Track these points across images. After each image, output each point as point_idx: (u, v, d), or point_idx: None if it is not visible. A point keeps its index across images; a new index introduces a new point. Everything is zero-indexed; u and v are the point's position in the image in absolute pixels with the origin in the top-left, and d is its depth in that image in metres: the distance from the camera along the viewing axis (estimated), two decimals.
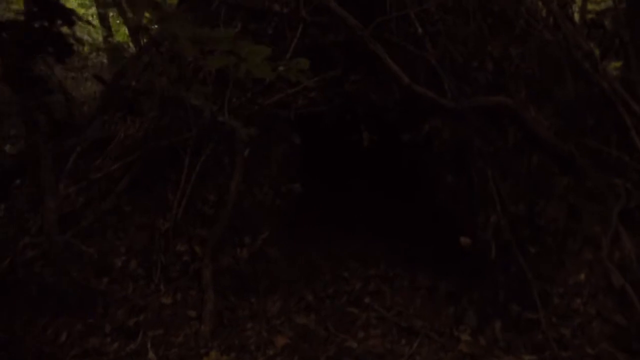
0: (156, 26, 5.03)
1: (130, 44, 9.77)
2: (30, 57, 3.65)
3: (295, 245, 4.83)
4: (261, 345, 3.83)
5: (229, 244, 4.35)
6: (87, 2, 12.36)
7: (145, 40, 5.39)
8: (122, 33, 12.19)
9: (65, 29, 3.69)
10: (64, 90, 4.85)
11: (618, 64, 4.71)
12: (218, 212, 4.39)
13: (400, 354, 3.77)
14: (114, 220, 4.53)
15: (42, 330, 3.79)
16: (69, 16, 3.49)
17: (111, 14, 12.02)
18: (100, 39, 11.06)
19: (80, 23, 4.78)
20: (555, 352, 3.61)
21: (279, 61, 3.07)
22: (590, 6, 8.67)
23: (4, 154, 5.63)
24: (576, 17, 6.34)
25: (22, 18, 3.60)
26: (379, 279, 4.84)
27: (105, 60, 10.11)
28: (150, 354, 3.66)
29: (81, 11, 11.74)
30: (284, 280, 4.47)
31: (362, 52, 4.64)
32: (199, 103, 4.00)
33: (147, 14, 2.80)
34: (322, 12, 4.77)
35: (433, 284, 4.65)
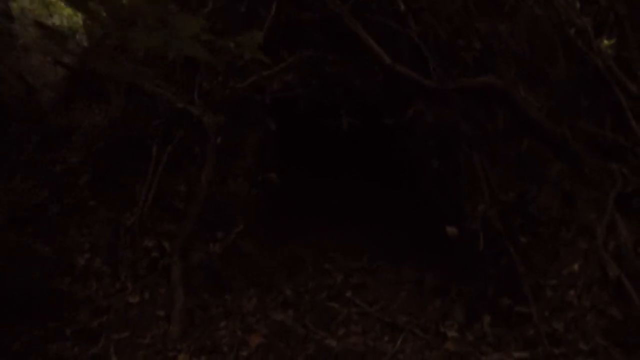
0: None
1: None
2: None
3: (273, 238, 4.56)
4: (235, 346, 3.57)
5: (201, 238, 4.08)
6: None
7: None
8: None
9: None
10: (18, 75, 4.51)
11: (613, 41, 4.43)
12: (188, 205, 4.10)
13: (383, 351, 3.53)
14: (78, 215, 4.23)
15: None
16: None
17: None
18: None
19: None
20: (547, 348, 3.37)
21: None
22: None
23: None
24: None
25: None
26: (363, 271, 4.60)
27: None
28: (114, 359, 3.39)
29: None
30: (261, 275, 4.20)
31: (341, 30, 4.35)
32: (163, 92, 3.69)
33: None
34: None
35: (419, 276, 4.41)
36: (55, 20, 6.09)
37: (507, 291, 3.65)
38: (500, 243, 3.75)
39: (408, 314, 3.94)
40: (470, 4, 4.37)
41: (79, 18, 5.81)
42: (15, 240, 3.66)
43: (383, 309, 3.99)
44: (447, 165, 4.22)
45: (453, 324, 3.73)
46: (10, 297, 3.64)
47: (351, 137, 4.47)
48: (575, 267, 3.60)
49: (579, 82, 4.28)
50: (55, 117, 4.78)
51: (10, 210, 3.77)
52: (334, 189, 5.48)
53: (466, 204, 3.97)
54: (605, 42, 4.46)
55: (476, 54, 4.23)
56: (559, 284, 3.58)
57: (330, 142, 5.07)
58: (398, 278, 4.48)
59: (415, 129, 4.29)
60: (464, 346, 3.51)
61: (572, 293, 3.52)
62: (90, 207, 4.28)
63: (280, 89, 4.43)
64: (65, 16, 6.13)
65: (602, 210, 3.68)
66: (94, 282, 3.94)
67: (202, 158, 4.22)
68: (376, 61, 4.29)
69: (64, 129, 4.72)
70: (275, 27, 4.46)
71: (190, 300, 3.85)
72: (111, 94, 4.65)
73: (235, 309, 3.92)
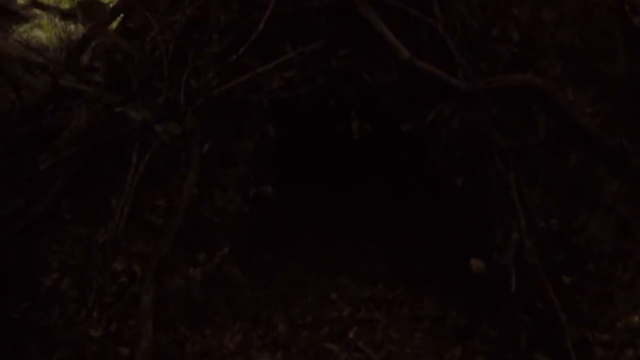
0: None
1: None
2: None
3: (267, 259, 3.95)
4: None
5: (179, 261, 3.50)
6: None
7: None
8: None
9: None
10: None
11: None
12: (167, 222, 3.54)
13: None
14: (48, 228, 3.73)
15: None
16: None
17: None
18: None
19: None
20: None
21: None
22: None
23: None
24: None
25: None
26: (374, 303, 3.92)
27: None
28: None
29: None
30: (249, 305, 3.60)
31: (351, 19, 3.71)
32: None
33: None
34: None
35: (440, 312, 3.71)
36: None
37: (544, 345, 2.93)
38: (538, 282, 3.01)
39: None
40: None
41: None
42: None
43: (390, 355, 3.31)
44: (475, 182, 3.52)
45: None
46: None
47: (362, 144, 3.80)
48: (635, 319, 2.84)
49: None
50: (38, 118, 4.31)
51: None
52: (341, 203, 4.80)
53: (497, 231, 3.25)
54: None
55: (513, 48, 3.49)
56: (613, 340, 2.82)
57: (337, 150, 4.40)
58: (415, 313, 3.79)
59: (437, 137, 3.60)
60: None
61: (631, 354, 2.76)
62: (63, 220, 3.77)
63: (281, 88, 3.81)
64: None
65: None
66: (57, 308, 3.42)
67: (188, 167, 3.63)
68: (393, 55, 3.64)
69: (46, 131, 4.24)
70: (277, 16, 3.86)
71: (163, 334, 3.28)
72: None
73: (215, 347, 3.33)
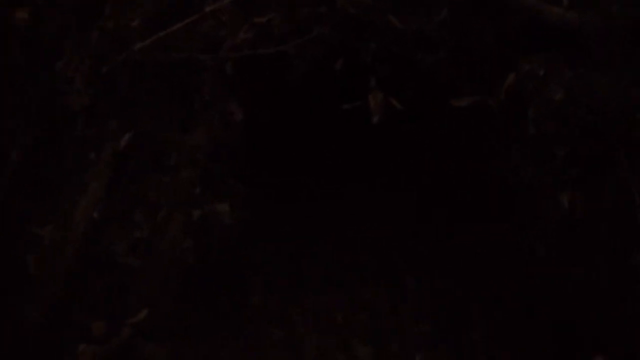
0: None
1: None
2: None
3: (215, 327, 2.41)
4: None
5: (68, 334, 2.06)
6: None
7: None
8: None
9: None
10: None
11: None
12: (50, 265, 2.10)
13: None
14: None
15: None
16: None
17: None
18: None
19: None
20: None
21: None
22: None
23: None
24: None
25: None
26: None
27: None
28: None
29: None
30: None
31: None
32: None
33: None
34: None
35: None
36: None
37: None
38: None
39: None
40: None
41: None
42: None
43: None
44: (586, 197, 1.94)
45: None
46: None
47: (385, 134, 2.27)
48: None
49: None
50: None
51: None
52: (347, 223, 3.02)
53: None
54: None
55: None
56: None
57: (344, 143, 2.78)
58: None
59: (518, 119, 2.02)
60: None
61: None
62: None
63: (252, 43, 2.35)
64: None
65: None
66: None
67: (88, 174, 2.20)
68: None
69: None
70: None
71: None
72: None
73: None
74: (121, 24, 2.24)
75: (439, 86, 2.24)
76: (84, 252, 2.11)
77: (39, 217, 2.21)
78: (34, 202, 2.16)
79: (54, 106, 2.13)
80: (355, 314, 2.89)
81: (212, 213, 2.26)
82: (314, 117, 2.70)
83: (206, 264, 2.29)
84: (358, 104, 2.38)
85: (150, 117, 2.39)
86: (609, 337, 1.82)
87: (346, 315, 2.84)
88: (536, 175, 2.03)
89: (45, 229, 2.23)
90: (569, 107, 1.89)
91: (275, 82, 2.45)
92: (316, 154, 2.82)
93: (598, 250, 1.93)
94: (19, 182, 2.18)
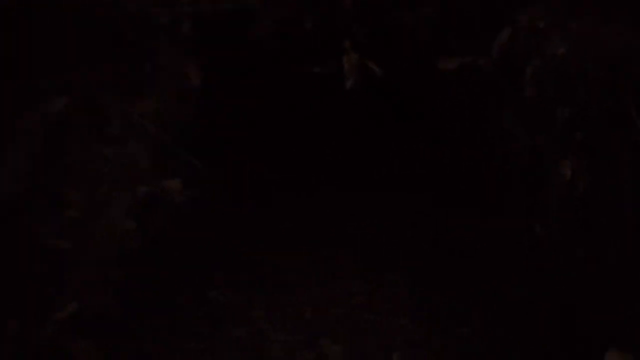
0: None
1: None
2: None
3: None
4: None
5: None
6: None
7: None
8: None
9: None
10: None
11: None
12: None
13: None
14: None
15: None
16: None
17: None
18: None
19: None
20: None
21: None
22: None
23: None
24: None
25: None
26: None
27: None
28: None
29: None
30: None
31: None
32: None
33: None
34: None
35: None
36: None
37: None
38: None
39: None
40: None
41: None
42: None
43: None
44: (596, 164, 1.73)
45: None
46: None
47: (360, 98, 2.02)
48: None
49: None
50: None
51: None
52: (317, 206, 2.72)
53: None
54: None
55: None
56: None
57: (315, 107, 2.51)
58: None
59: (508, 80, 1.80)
60: None
61: None
62: None
63: None
64: None
65: None
66: None
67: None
68: None
69: None
70: None
71: None
72: None
73: None
74: None
75: (423, 46, 2.01)
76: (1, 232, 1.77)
77: None
78: None
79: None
80: (326, 309, 2.61)
81: (161, 190, 1.96)
82: (281, 82, 2.41)
83: (153, 249, 1.97)
84: (331, 67, 2.14)
85: (92, 79, 2.09)
86: (622, 330, 1.58)
87: (315, 310, 2.56)
88: (535, 142, 1.80)
89: None
90: (573, 62, 1.68)
91: (237, 42, 2.17)
92: (283, 124, 2.53)
93: (606, 229, 1.70)
94: None
